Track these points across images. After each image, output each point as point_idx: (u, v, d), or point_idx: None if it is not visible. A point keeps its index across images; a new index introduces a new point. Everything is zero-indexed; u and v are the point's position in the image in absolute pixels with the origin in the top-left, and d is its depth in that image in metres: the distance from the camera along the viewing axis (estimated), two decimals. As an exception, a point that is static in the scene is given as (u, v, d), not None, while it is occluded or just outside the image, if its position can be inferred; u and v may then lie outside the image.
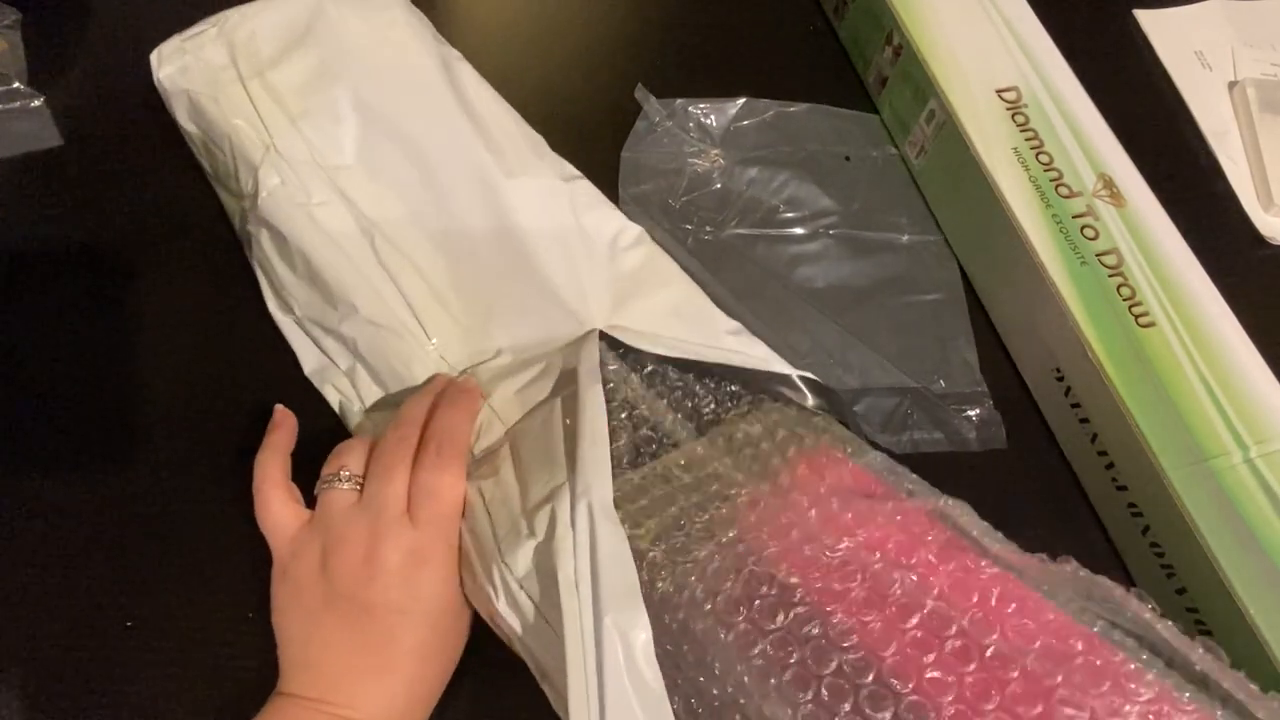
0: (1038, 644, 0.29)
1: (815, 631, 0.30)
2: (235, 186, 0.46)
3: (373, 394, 0.44)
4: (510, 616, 0.34)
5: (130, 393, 0.45)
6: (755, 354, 0.44)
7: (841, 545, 0.32)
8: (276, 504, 0.37)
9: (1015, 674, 0.29)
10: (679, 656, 0.31)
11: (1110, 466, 0.45)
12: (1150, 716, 0.28)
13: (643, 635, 0.31)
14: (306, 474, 0.39)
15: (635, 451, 0.38)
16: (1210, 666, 0.29)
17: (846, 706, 0.28)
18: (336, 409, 0.45)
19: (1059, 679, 0.28)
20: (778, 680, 0.29)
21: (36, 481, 0.42)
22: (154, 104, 0.49)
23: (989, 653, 0.29)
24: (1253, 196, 0.59)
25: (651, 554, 0.33)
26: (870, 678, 0.29)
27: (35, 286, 0.47)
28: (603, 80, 0.58)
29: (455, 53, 0.51)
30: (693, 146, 0.55)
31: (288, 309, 0.46)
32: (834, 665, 0.29)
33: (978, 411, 0.49)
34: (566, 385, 0.40)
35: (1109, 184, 0.50)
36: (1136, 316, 0.46)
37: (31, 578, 0.40)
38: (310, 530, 0.37)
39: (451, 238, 0.45)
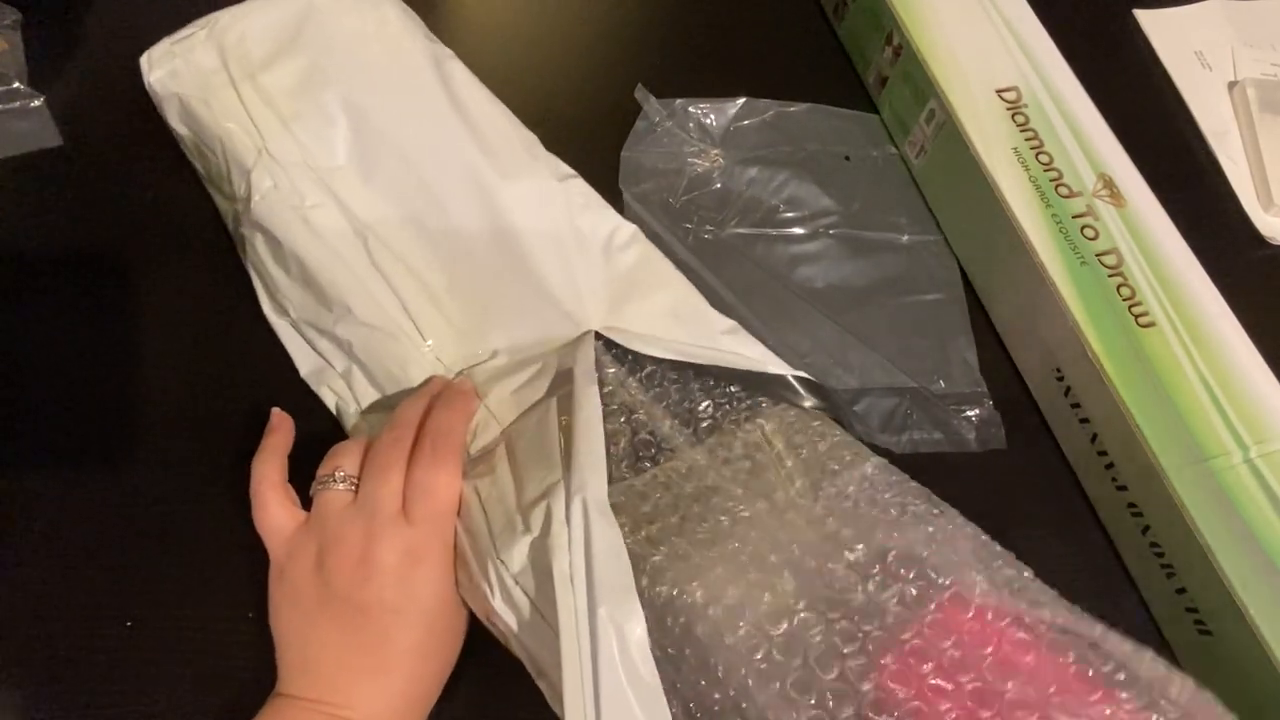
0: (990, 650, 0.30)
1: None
2: (228, 189, 0.46)
3: (369, 396, 0.44)
4: (506, 613, 0.34)
5: (128, 392, 0.45)
6: (751, 355, 0.44)
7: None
8: (273, 505, 0.37)
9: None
10: (680, 660, 0.31)
11: (1110, 466, 0.45)
12: None
13: (638, 628, 0.31)
14: (303, 476, 0.39)
15: (635, 456, 0.38)
16: None
17: (849, 711, 0.28)
18: (333, 411, 0.45)
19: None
20: (780, 685, 0.29)
21: (36, 481, 0.42)
22: (153, 104, 0.49)
23: (986, 663, 0.29)
24: (1253, 196, 0.59)
25: (654, 558, 0.33)
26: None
27: (34, 286, 0.47)
28: (603, 80, 0.58)
29: (448, 51, 0.51)
30: (693, 146, 0.55)
31: (283, 311, 0.46)
32: (836, 671, 0.29)
33: (977, 412, 0.49)
34: (562, 385, 0.40)
35: (1109, 184, 0.50)
36: (1136, 316, 0.46)
37: (31, 578, 0.40)
38: (306, 531, 0.37)
39: (446, 239, 0.45)
